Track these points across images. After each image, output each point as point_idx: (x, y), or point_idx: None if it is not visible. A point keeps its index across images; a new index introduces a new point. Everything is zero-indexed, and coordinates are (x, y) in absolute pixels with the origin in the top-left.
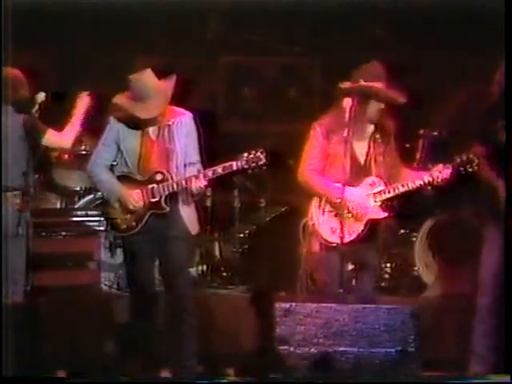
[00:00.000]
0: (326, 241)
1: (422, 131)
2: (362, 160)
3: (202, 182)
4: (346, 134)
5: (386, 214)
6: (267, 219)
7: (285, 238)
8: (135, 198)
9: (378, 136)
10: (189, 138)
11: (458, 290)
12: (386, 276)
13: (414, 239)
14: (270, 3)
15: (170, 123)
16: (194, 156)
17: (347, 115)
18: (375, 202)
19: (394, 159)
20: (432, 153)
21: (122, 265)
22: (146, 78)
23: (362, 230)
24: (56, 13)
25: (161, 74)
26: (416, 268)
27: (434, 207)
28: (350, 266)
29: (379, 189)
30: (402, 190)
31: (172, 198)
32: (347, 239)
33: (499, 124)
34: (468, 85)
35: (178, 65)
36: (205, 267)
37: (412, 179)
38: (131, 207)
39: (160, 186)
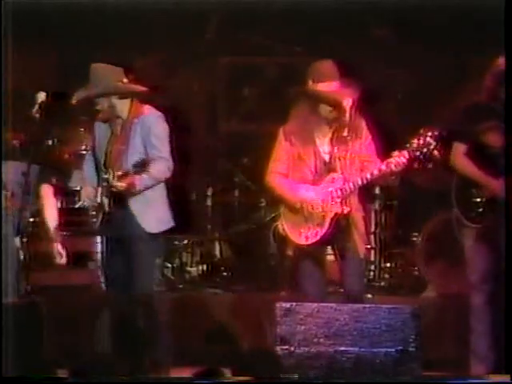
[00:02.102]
0: (295, 244)
1: (421, 130)
2: (326, 158)
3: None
4: (305, 135)
5: (348, 209)
6: (267, 219)
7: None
8: (84, 194)
9: (344, 133)
10: (151, 136)
11: (459, 289)
12: (386, 275)
13: (415, 239)
14: (270, 3)
15: (135, 120)
16: (158, 152)
17: (303, 117)
18: (337, 198)
19: (368, 153)
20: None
21: None
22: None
23: (328, 229)
24: (56, 13)
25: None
26: (416, 267)
27: (434, 206)
28: (333, 264)
29: (339, 185)
30: (360, 182)
31: (120, 196)
32: (313, 239)
33: (483, 125)
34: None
35: (177, 65)
36: (205, 267)
37: (371, 170)
38: (82, 204)
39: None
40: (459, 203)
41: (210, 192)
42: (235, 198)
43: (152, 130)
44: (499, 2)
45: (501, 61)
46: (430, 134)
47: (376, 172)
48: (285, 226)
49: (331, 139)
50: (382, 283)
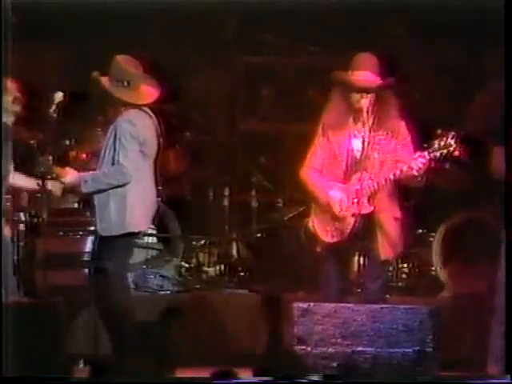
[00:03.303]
0: (322, 241)
1: (439, 131)
2: (358, 156)
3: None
4: (341, 131)
5: (372, 209)
6: (285, 219)
7: (300, 240)
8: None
9: (379, 132)
10: (116, 139)
11: (476, 290)
12: (404, 276)
13: (432, 239)
14: (288, 3)
15: (122, 119)
16: (115, 156)
17: (339, 110)
18: (362, 197)
19: (404, 153)
20: None
21: (140, 264)
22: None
23: (352, 228)
24: (56, 13)
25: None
26: (433, 268)
27: (451, 206)
28: (355, 264)
29: (365, 184)
30: (383, 183)
31: (88, 197)
32: (338, 238)
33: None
34: (483, 83)
35: (196, 65)
36: (222, 267)
37: (393, 171)
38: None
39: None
40: (492, 199)
41: (227, 192)
42: (252, 198)
43: (119, 135)
44: (499, 2)
45: None
46: (451, 135)
47: (398, 173)
48: (315, 222)
49: (366, 137)
50: (399, 283)
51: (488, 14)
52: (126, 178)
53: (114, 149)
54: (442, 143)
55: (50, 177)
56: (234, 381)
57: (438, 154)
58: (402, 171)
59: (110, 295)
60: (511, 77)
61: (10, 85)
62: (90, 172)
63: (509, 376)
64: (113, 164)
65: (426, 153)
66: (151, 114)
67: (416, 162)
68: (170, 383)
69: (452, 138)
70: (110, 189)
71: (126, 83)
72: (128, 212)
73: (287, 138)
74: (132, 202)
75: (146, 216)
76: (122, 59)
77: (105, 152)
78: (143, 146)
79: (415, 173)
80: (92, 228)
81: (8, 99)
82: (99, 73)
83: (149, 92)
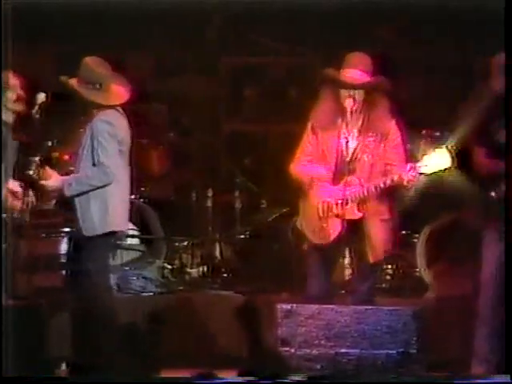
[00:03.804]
0: (310, 241)
1: (423, 131)
2: (348, 157)
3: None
4: (331, 130)
5: (360, 215)
6: (269, 220)
7: (286, 239)
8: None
9: (369, 133)
10: (94, 140)
11: (460, 291)
12: (388, 277)
13: (416, 240)
14: (273, 2)
15: (89, 123)
16: (96, 157)
17: (328, 108)
18: (351, 202)
19: (393, 156)
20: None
21: (122, 266)
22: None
23: (341, 231)
24: (56, 13)
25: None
26: (417, 269)
27: (436, 207)
28: (342, 266)
29: (354, 189)
30: (373, 190)
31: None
32: (326, 240)
33: (496, 124)
34: (470, 83)
35: (179, 65)
36: (205, 268)
37: (384, 180)
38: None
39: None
40: (474, 200)
41: (210, 193)
42: (236, 199)
43: (97, 136)
44: (499, 1)
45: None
46: (443, 147)
47: (389, 182)
48: (303, 222)
49: (356, 138)
50: (384, 285)
51: (481, 14)
52: (109, 178)
53: (93, 149)
54: (435, 156)
55: (35, 179)
56: (218, 381)
57: (430, 168)
58: (392, 180)
59: (92, 296)
60: (511, 76)
61: (14, 82)
62: (72, 175)
63: (509, 376)
64: (94, 165)
65: (417, 165)
66: (124, 114)
67: (408, 175)
68: (161, 383)
69: (444, 151)
70: (94, 190)
71: (98, 85)
72: (110, 211)
73: (271, 139)
74: (113, 201)
75: (125, 216)
76: (91, 61)
77: (82, 153)
78: (121, 144)
79: (405, 183)
80: (72, 229)
81: (12, 97)
82: (67, 77)
83: (120, 92)
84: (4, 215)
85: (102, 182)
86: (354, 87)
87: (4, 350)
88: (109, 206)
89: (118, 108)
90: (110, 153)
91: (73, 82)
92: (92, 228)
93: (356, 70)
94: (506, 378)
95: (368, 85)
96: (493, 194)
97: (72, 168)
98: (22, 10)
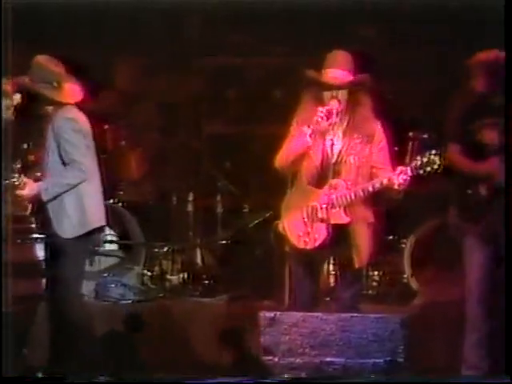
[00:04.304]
0: (293, 246)
1: (411, 134)
2: (333, 159)
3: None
4: (315, 128)
5: (348, 220)
6: (251, 225)
7: (269, 245)
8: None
9: (354, 135)
10: (61, 140)
11: (450, 297)
12: (374, 284)
13: (403, 245)
14: (255, 2)
15: (56, 119)
16: (69, 156)
17: (312, 107)
18: (338, 205)
19: (379, 159)
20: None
21: (100, 272)
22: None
23: (326, 236)
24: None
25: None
26: (405, 275)
27: (423, 212)
28: (327, 272)
29: (341, 193)
30: (361, 194)
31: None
32: (311, 245)
33: (478, 123)
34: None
35: (159, 65)
36: (186, 275)
37: (372, 183)
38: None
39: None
40: (456, 204)
41: (191, 197)
42: (217, 204)
43: (62, 134)
44: (499, 1)
45: (485, 54)
46: (433, 152)
47: (378, 185)
48: (285, 224)
49: (341, 140)
50: (370, 291)
51: (472, 13)
52: (84, 174)
53: (60, 149)
54: (426, 160)
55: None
56: (212, 380)
57: (421, 171)
58: (381, 184)
59: (68, 302)
60: (511, 77)
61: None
62: (46, 179)
63: (509, 376)
64: (64, 164)
65: (408, 169)
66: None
67: (398, 178)
68: (161, 383)
69: (436, 155)
70: (70, 189)
71: (55, 83)
72: (87, 209)
73: (254, 142)
74: (89, 198)
75: (102, 211)
76: (43, 60)
77: (48, 155)
78: (86, 139)
79: (396, 187)
80: (48, 234)
81: (16, 97)
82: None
83: (76, 90)
84: None
85: (79, 179)
86: (336, 87)
87: (4, 349)
88: (85, 204)
89: (76, 105)
90: (80, 149)
91: (26, 81)
92: (70, 230)
93: (338, 70)
94: (506, 378)
95: (351, 84)
96: (474, 196)
97: (38, 173)
98: (22, 10)
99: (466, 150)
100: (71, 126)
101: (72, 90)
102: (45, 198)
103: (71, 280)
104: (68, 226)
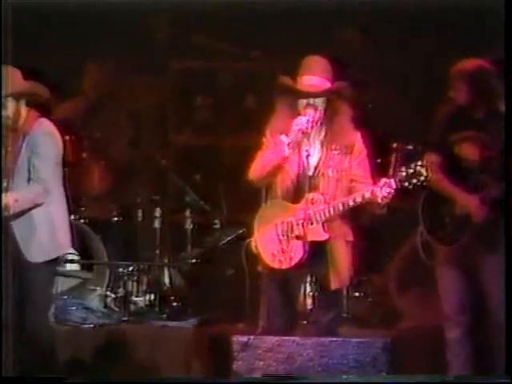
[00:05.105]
0: (267, 265)
1: (394, 145)
2: (310, 172)
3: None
4: (293, 140)
5: (327, 236)
6: (223, 243)
7: (242, 264)
8: None
9: (332, 146)
10: (33, 155)
11: (437, 320)
12: (355, 305)
13: (387, 264)
14: (225, 4)
15: (32, 132)
16: (36, 173)
17: (287, 116)
18: (316, 222)
19: (359, 172)
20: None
21: (60, 294)
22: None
23: (303, 255)
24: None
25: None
26: (390, 296)
27: (408, 228)
28: (303, 294)
29: (319, 208)
30: (341, 208)
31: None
32: (286, 265)
33: (458, 135)
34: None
35: (122, 71)
36: (152, 296)
37: (353, 197)
38: None
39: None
40: (426, 221)
41: (158, 213)
42: (186, 219)
43: (35, 149)
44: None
45: (466, 63)
46: (419, 163)
47: (359, 199)
48: (258, 243)
49: (318, 151)
50: (350, 314)
51: (460, 17)
52: (48, 195)
53: (29, 162)
54: (411, 171)
55: None
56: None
57: (406, 183)
58: (363, 197)
59: (36, 327)
60: (511, 78)
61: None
62: (16, 191)
63: (509, 376)
64: (29, 179)
65: (392, 181)
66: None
67: (381, 191)
68: (153, 383)
69: (422, 167)
70: (31, 208)
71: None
72: (58, 232)
73: (225, 152)
74: (59, 221)
75: (69, 232)
76: (9, 72)
77: (17, 167)
78: (58, 157)
79: (379, 201)
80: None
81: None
82: None
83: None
84: None
85: (42, 199)
86: (313, 95)
87: (4, 349)
88: (56, 228)
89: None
90: (49, 166)
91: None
92: (40, 253)
93: (314, 77)
94: (506, 378)
95: (328, 92)
96: (448, 214)
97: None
98: (22, 10)
99: (444, 163)
100: (47, 141)
101: (41, 100)
102: (14, 210)
103: (38, 304)
104: (37, 250)
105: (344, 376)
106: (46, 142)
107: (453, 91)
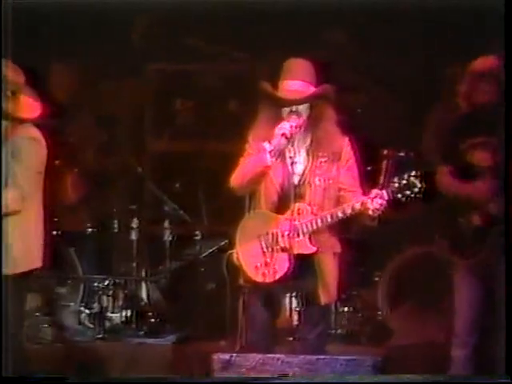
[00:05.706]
0: (249, 279)
1: (385, 151)
2: (295, 181)
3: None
4: (275, 146)
5: (314, 249)
6: (203, 255)
7: (224, 277)
8: None
9: (319, 153)
10: (14, 160)
11: (430, 338)
12: (344, 322)
13: (377, 278)
14: (206, 3)
15: (15, 139)
16: (22, 180)
17: (270, 122)
18: (302, 233)
19: (347, 180)
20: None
21: (31, 311)
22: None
23: (288, 269)
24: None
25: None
26: (379, 312)
27: (400, 241)
28: (289, 309)
29: (306, 219)
30: (329, 220)
31: None
32: (270, 279)
33: (466, 143)
34: (438, 98)
35: (98, 73)
36: (129, 312)
37: (342, 208)
38: None
39: None
40: (445, 234)
41: (135, 223)
42: (165, 231)
43: (17, 155)
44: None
45: (477, 64)
46: (413, 173)
47: (349, 211)
48: (240, 255)
49: (304, 159)
50: (339, 330)
51: (452, 18)
52: (23, 204)
53: (9, 169)
54: (404, 182)
55: None
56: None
57: (399, 195)
58: (353, 209)
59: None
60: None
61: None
62: None
63: (509, 376)
64: (6, 185)
65: (384, 192)
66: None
67: (372, 203)
68: (153, 383)
69: (416, 178)
70: (7, 214)
71: (9, 93)
72: (32, 243)
73: (205, 160)
74: (35, 232)
75: (42, 248)
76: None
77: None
78: (41, 166)
79: (371, 213)
80: None
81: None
82: None
83: (33, 105)
84: None
85: (17, 206)
86: (295, 103)
87: (4, 349)
88: (32, 239)
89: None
90: (30, 174)
91: None
92: (13, 265)
93: (297, 81)
94: (505, 378)
95: (312, 97)
96: (466, 226)
97: None
98: (22, 9)
99: (455, 171)
100: (31, 149)
101: (28, 105)
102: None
103: (10, 322)
104: (10, 261)
105: None
106: (29, 148)
107: (464, 93)
